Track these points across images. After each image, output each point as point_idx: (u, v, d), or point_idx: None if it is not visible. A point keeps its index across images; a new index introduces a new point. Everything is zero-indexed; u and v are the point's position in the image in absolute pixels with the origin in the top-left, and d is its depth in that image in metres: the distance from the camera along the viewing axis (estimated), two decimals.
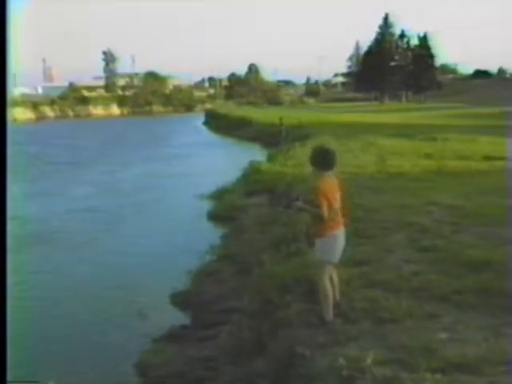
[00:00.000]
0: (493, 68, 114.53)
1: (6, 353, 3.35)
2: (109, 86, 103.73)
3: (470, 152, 15.66)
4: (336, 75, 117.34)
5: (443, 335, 4.45)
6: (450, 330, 4.55)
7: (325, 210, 4.68)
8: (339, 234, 4.83)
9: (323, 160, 4.80)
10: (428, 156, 15.29)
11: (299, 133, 26.26)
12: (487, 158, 14.56)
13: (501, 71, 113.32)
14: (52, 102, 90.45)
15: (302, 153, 16.35)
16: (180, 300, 8.01)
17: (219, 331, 6.61)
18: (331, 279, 4.94)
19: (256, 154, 25.41)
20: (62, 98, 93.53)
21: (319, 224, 4.77)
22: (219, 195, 14.88)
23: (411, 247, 6.82)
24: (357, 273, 5.87)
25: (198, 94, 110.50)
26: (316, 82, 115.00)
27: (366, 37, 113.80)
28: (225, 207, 13.29)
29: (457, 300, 5.08)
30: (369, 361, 4.04)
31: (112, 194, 17.34)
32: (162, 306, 7.98)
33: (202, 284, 8.38)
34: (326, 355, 4.30)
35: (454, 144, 17.90)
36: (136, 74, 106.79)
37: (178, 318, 7.59)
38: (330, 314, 4.85)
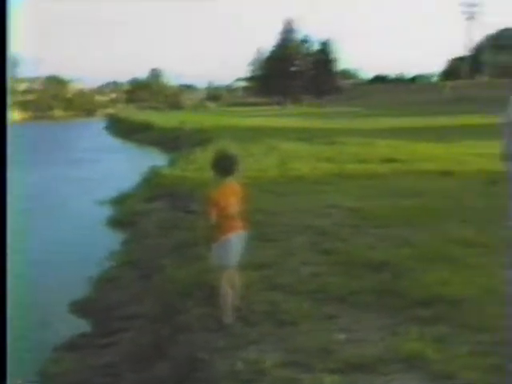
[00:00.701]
0: (392, 74, 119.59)
1: (5, 353, 3.40)
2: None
3: (369, 155, 16.26)
4: (238, 80, 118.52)
5: (341, 336, 4.58)
6: (347, 331, 4.68)
7: (212, 217, 4.79)
8: (234, 238, 4.91)
9: (223, 166, 4.90)
10: (328, 159, 15.72)
11: (201, 137, 26.27)
12: (385, 160, 15.18)
13: (399, 77, 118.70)
14: None
15: (203, 157, 16.38)
16: (80, 308, 7.81)
17: (120, 338, 6.49)
18: (232, 283, 5.00)
19: (157, 158, 25.18)
20: None
21: (212, 229, 4.86)
22: (120, 200, 14.66)
23: (312, 250, 6.98)
24: (258, 276, 5.95)
25: (100, 98, 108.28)
26: (218, 87, 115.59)
27: (268, 42, 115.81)
28: (125, 212, 13.10)
29: (355, 301, 5.25)
30: (268, 363, 4.10)
31: (12, 199, 16.56)
32: (62, 314, 7.72)
33: (103, 291, 8.22)
34: (225, 359, 4.32)
35: (353, 147, 18.50)
36: (37, 78, 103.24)
37: (79, 326, 7.36)
38: (229, 318, 4.91)
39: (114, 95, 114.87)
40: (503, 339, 4.33)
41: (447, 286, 5.37)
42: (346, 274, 5.95)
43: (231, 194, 4.92)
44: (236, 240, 4.93)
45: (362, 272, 5.97)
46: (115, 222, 12.67)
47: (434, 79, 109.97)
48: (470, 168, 13.62)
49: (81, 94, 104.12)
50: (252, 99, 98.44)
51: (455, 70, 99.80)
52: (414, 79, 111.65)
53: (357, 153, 16.89)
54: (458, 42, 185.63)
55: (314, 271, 6.12)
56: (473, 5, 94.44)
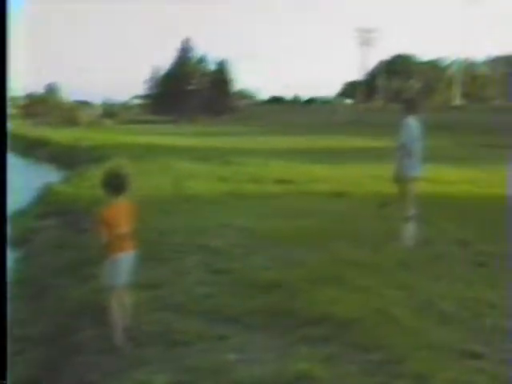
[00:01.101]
0: (288, 95, 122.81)
1: (5, 353, 3.53)
2: None
3: (263, 175, 16.53)
4: (134, 97, 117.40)
5: (232, 356, 4.61)
6: (239, 351, 4.73)
7: (103, 236, 4.79)
8: (124, 257, 4.91)
9: (114, 184, 4.92)
10: (223, 179, 15.83)
11: (96, 154, 25.72)
12: (279, 181, 15.49)
13: (296, 98, 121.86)
14: None
15: (97, 175, 16.02)
16: None
17: (12, 360, 6.20)
18: (122, 303, 4.97)
19: (52, 175, 24.36)
20: None
21: (103, 249, 4.83)
22: (13, 217, 14.06)
23: (204, 270, 7.00)
24: (150, 296, 5.91)
25: None
26: (114, 104, 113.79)
27: (165, 60, 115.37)
28: (18, 230, 12.62)
29: (247, 321, 5.31)
30: None
31: None
32: None
33: None
34: (115, 381, 4.24)
35: (249, 167, 18.75)
36: None
37: None
38: (120, 339, 4.85)
39: (12, 110, 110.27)
40: (390, 358, 4.53)
41: (337, 305, 5.55)
42: (238, 294, 6.01)
43: (122, 213, 4.92)
44: (126, 259, 4.92)
45: (255, 292, 6.05)
46: (8, 240, 12.16)
47: (330, 102, 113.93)
48: (362, 190, 14.14)
49: None
50: (148, 117, 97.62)
51: (351, 93, 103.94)
52: (310, 101, 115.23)
53: (252, 173, 17.11)
54: (354, 66, 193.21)
55: (207, 291, 6.14)
56: (368, 31, 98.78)
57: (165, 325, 5.18)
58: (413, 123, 8.51)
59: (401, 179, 8.47)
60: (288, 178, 16.01)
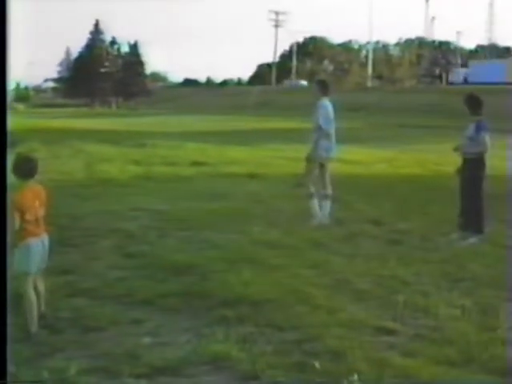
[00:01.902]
0: (201, 78, 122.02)
1: (5, 353, 3.48)
2: None
3: (177, 158, 16.40)
4: (46, 80, 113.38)
5: (147, 340, 4.54)
6: (154, 335, 4.66)
7: (16, 222, 4.61)
8: (33, 243, 4.74)
9: (23, 168, 4.81)
10: (136, 162, 15.58)
11: (9, 139, 24.72)
12: (193, 163, 15.40)
13: (209, 81, 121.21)
14: None
15: (10, 160, 15.42)
16: None
17: None
18: (36, 289, 4.82)
19: None
20: None
21: (15, 234, 4.66)
22: None
23: (117, 254, 6.88)
24: (62, 282, 5.75)
25: None
26: (26, 88, 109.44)
27: (77, 42, 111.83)
28: None
29: (161, 304, 5.25)
30: (73, 371, 3.99)
31: None
32: None
33: None
34: (30, 369, 4.10)
35: (162, 150, 18.53)
36: None
37: None
38: (34, 326, 4.72)
39: None
40: (305, 337, 4.58)
41: (251, 286, 5.57)
42: (152, 277, 5.94)
43: (34, 198, 4.78)
44: (38, 245, 4.78)
45: (169, 275, 5.99)
46: None
47: (243, 84, 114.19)
48: (275, 171, 14.30)
49: None
50: (61, 100, 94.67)
51: (264, 75, 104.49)
52: (223, 84, 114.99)
53: (165, 155, 16.94)
54: (267, 48, 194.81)
55: (120, 275, 6.03)
56: (280, 13, 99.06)
57: (78, 311, 5.06)
58: (327, 104, 8.63)
59: (316, 160, 8.60)
60: (202, 160, 15.96)
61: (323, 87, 8.80)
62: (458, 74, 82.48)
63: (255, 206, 9.76)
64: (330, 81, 10.01)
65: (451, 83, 77.82)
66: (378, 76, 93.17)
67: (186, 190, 11.43)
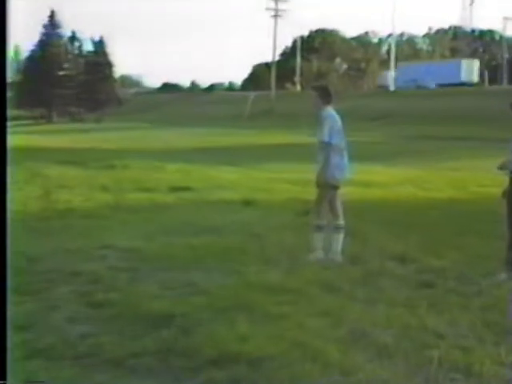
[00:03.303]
0: (184, 82, 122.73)
1: (5, 353, 3.80)
2: None
3: (155, 182, 16.46)
4: None
5: None
6: None
7: None
8: None
9: None
10: (104, 188, 15.64)
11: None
12: (175, 188, 15.48)
13: (193, 86, 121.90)
14: None
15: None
16: None
17: None
18: None
19: None
20: None
21: None
22: None
23: (80, 303, 6.87)
24: (15, 340, 5.72)
25: None
26: None
27: (28, 38, 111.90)
28: None
29: (133, 365, 5.23)
30: None
31: None
32: None
33: None
34: None
35: (136, 173, 18.62)
36: None
37: None
38: None
39: None
40: None
41: (247, 340, 5.56)
42: (123, 331, 5.92)
43: None
44: None
45: (143, 328, 5.98)
46: None
47: (236, 89, 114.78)
48: (275, 197, 14.35)
49: None
50: (12, 112, 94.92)
51: (261, 78, 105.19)
52: (211, 88, 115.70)
53: (140, 179, 17.02)
54: (264, 44, 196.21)
55: (83, 330, 6.01)
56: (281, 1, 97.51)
57: (32, 374, 5.04)
58: (333, 114, 8.72)
59: (327, 183, 8.65)
60: (185, 184, 16.04)
61: (325, 94, 8.88)
62: (387, 76, 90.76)
63: (251, 241, 9.79)
64: (330, 87, 9.96)
65: (381, 87, 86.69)
66: None
67: (166, 222, 11.46)
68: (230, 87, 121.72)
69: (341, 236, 8.81)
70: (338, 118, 8.76)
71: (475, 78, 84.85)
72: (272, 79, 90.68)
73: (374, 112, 56.85)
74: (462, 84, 77.87)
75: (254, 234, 10.36)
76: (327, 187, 8.68)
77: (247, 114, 71.27)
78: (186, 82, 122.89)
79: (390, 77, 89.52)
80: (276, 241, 9.77)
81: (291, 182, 16.39)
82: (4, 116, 4.12)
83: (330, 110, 8.72)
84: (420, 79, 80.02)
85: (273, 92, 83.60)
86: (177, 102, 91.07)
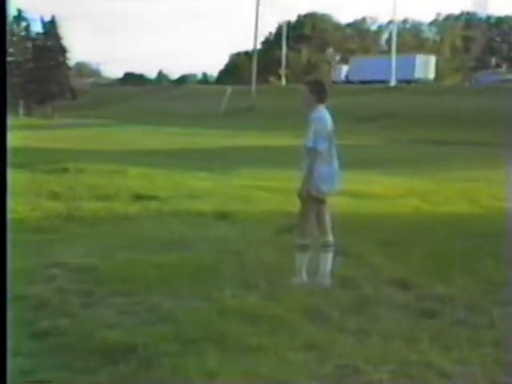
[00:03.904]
0: (149, 72, 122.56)
1: (5, 353, 4.30)
2: None
3: (115, 189, 16.38)
4: None
5: None
6: None
7: None
8: None
9: None
10: (54, 195, 15.56)
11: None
12: (137, 196, 15.42)
13: (161, 77, 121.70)
14: None
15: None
16: None
17: None
18: None
19: None
20: None
21: None
22: None
23: (23, 332, 6.81)
24: None
25: None
26: None
27: None
28: None
29: None
30: None
31: None
32: None
33: None
34: None
35: (93, 178, 18.53)
36: None
37: None
38: None
39: None
40: None
41: (219, 375, 5.58)
42: (72, 365, 5.90)
43: None
44: None
45: (97, 361, 5.96)
46: None
47: (210, 82, 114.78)
48: (255, 208, 14.33)
49: None
50: None
51: (240, 69, 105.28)
52: (181, 80, 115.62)
53: (97, 185, 16.94)
54: (245, 31, 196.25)
55: (26, 365, 6.00)
56: None
57: None
58: (324, 116, 8.66)
59: (312, 195, 8.61)
60: (150, 192, 16.02)
61: (319, 91, 8.74)
62: (340, 71, 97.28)
63: (226, 259, 9.78)
64: (327, 81, 9.95)
65: (333, 82, 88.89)
66: None
67: (127, 236, 11.42)
68: (204, 79, 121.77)
69: (330, 256, 8.77)
70: (329, 119, 8.64)
71: (431, 75, 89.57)
72: (253, 71, 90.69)
73: (373, 111, 56.99)
74: (417, 81, 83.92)
75: (229, 251, 10.34)
76: (311, 200, 8.65)
77: (223, 111, 71.27)
78: (152, 73, 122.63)
79: (344, 72, 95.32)
80: (254, 260, 9.75)
81: (273, 190, 16.37)
82: (4, 116, 4.39)
83: (321, 111, 8.62)
84: (372, 75, 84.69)
85: (253, 86, 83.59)
86: (141, 95, 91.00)
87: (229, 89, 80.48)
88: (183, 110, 72.01)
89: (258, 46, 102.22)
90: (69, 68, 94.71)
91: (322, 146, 8.48)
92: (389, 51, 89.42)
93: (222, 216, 13.43)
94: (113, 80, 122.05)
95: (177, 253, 10.10)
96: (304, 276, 8.70)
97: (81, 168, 20.54)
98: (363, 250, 10.37)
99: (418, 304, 8.03)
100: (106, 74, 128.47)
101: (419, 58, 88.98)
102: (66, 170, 20.34)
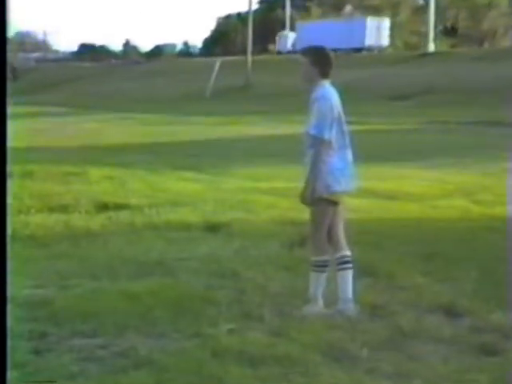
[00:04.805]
0: (113, 43, 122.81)
1: (5, 353, 4.73)
2: None
3: (73, 196, 16.30)
4: None
5: None
6: None
7: None
8: None
9: None
10: None
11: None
12: (102, 206, 15.35)
13: (129, 48, 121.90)
14: None
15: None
16: None
17: None
18: None
19: None
20: None
21: None
22: None
23: None
24: None
25: None
26: None
27: None
28: None
29: None
30: None
31: None
32: None
33: None
34: None
35: (43, 183, 18.48)
36: None
37: None
38: None
39: None
40: None
41: None
42: None
43: None
44: None
45: None
46: None
47: (193, 54, 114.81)
48: (255, 217, 14.34)
49: None
50: None
51: (230, 37, 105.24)
52: (155, 53, 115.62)
53: (50, 192, 16.91)
54: None
55: None
56: None
57: None
58: (328, 94, 8.51)
59: (317, 197, 8.50)
60: (119, 199, 15.99)
61: (321, 62, 8.57)
62: (286, 38, 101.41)
63: (220, 284, 9.78)
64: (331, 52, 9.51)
65: (279, 52, 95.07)
66: (448, 30, 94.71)
67: (90, 258, 11.37)
68: (185, 51, 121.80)
69: (349, 275, 8.66)
70: (336, 98, 8.54)
71: (385, 42, 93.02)
72: (248, 38, 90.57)
73: (401, 87, 56.99)
74: (369, 49, 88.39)
75: (223, 274, 10.32)
76: (322, 204, 8.53)
77: (210, 91, 71.24)
78: (117, 44, 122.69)
79: (290, 39, 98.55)
80: (257, 284, 9.75)
81: (278, 193, 16.34)
82: (4, 116, 4.67)
83: (325, 88, 8.43)
84: (321, 43, 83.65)
85: (249, 57, 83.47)
86: (104, 73, 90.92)
87: (217, 62, 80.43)
88: (159, 91, 72.03)
89: (254, 6, 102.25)
90: (5, 39, 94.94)
91: (330, 133, 8.37)
92: (426, 8, 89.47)
93: (213, 228, 13.36)
94: (66, 54, 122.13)
95: (156, 278, 10.08)
96: (321, 303, 8.66)
97: (28, 171, 20.48)
98: (396, 268, 10.34)
99: (471, 337, 8.02)
100: (56, 46, 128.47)
101: (370, 22, 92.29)
102: (8, 173, 20.33)
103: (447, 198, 16.41)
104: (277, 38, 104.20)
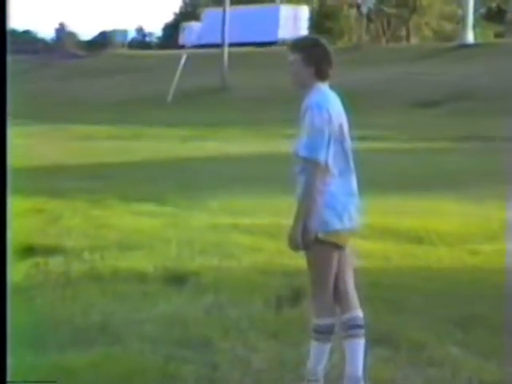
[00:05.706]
0: (43, 31, 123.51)
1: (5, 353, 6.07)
2: None
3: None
4: None
5: None
6: None
7: None
8: None
9: None
10: None
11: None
12: (24, 250, 15.33)
13: (63, 35, 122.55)
14: None
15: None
16: None
17: None
18: None
19: None
20: None
21: None
22: None
23: None
24: None
25: None
26: None
27: None
28: None
29: None
30: None
31: None
32: None
33: None
34: None
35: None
36: None
37: None
38: None
39: None
40: None
41: None
42: None
43: None
44: None
45: None
46: None
47: (150, 45, 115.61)
48: (234, 263, 14.35)
49: None
50: None
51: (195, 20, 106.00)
52: (97, 43, 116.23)
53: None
54: None
55: None
56: None
57: None
58: (330, 99, 8.39)
59: (316, 237, 8.43)
60: (51, 240, 16.01)
61: (317, 58, 8.49)
62: (191, 30, 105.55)
63: (183, 356, 9.78)
64: (329, 45, 9.29)
65: (182, 46, 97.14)
66: (492, 14, 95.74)
67: (13, 321, 11.33)
68: (140, 40, 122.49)
69: (361, 344, 8.65)
70: (338, 106, 8.40)
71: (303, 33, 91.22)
72: (224, 24, 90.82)
73: (430, 90, 57.39)
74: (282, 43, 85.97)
75: (189, 342, 10.32)
76: (321, 248, 8.35)
77: (173, 93, 71.50)
78: (48, 30, 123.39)
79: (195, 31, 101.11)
80: (234, 357, 9.76)
81: (260, 231, 16.39)
82: (4, 116, 5.55)
83: (322, 92, 8.29)
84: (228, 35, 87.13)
85: (225, 50, 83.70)
86: (29, 69, 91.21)
87: (183, 55, 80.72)
88: (105, 95, 72.29)
89: None
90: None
91: (327, 154, 8.15)
92: None
93: (177, 280, 13.32)
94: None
95: (98, 348, 10.07)
96: (321, 380, 8.60)
97: None
98: (423, 336, 10.36)
99: None
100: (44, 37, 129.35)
101: (285, 10, 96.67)
102: None
103: (491, 241, 16.46)
104: (180, 29, 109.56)
